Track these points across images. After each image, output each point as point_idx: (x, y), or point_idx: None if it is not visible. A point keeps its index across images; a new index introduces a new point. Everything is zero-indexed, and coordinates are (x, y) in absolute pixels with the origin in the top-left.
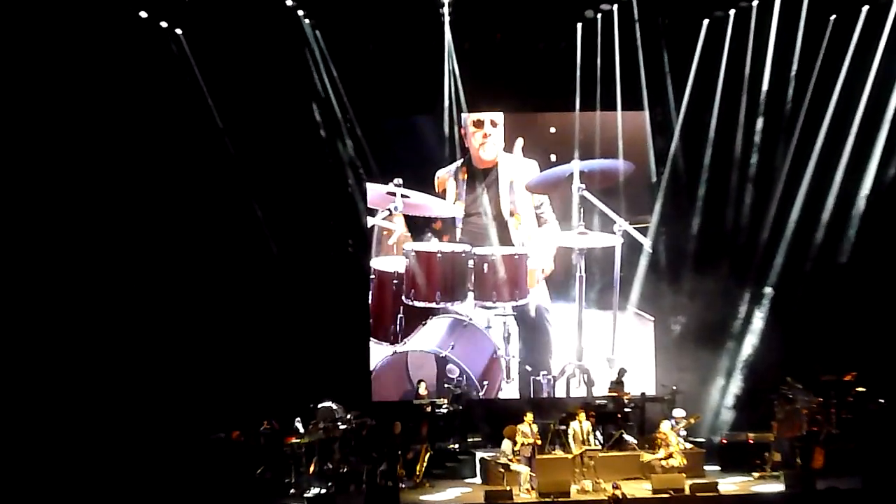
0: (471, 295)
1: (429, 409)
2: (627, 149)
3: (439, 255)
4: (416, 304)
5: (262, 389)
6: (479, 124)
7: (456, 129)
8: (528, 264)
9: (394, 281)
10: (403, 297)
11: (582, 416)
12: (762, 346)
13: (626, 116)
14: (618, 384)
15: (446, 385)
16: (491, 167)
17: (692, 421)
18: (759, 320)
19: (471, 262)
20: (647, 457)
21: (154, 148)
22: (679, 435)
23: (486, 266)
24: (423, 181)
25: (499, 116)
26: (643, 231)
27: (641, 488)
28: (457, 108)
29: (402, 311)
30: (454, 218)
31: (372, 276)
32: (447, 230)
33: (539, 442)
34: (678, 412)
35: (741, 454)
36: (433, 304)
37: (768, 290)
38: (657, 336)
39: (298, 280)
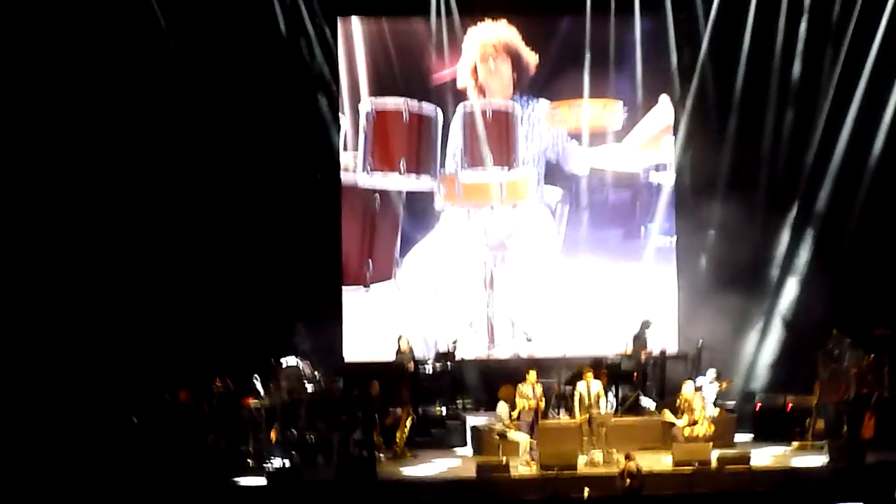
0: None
1: (411, 366)
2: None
3: (406, 113)
4: (377, 176)
5: (215, 342)
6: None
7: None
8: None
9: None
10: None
11: (590, 375)
12: (805, 293)
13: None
14: (637, 340)
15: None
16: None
17: (724, 386)
18: (801, 262)
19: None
20: (668, 416)
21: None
22: (705, 399)
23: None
24: None
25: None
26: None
27: (660, 461)
28: (446, 10)
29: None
30: None
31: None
32: None
33: (542, 405)
34: (708, 374)
35: (778, 421)
36: (395, 175)
37: (809, 233)
38: (681, 278)
39: (257, 213)
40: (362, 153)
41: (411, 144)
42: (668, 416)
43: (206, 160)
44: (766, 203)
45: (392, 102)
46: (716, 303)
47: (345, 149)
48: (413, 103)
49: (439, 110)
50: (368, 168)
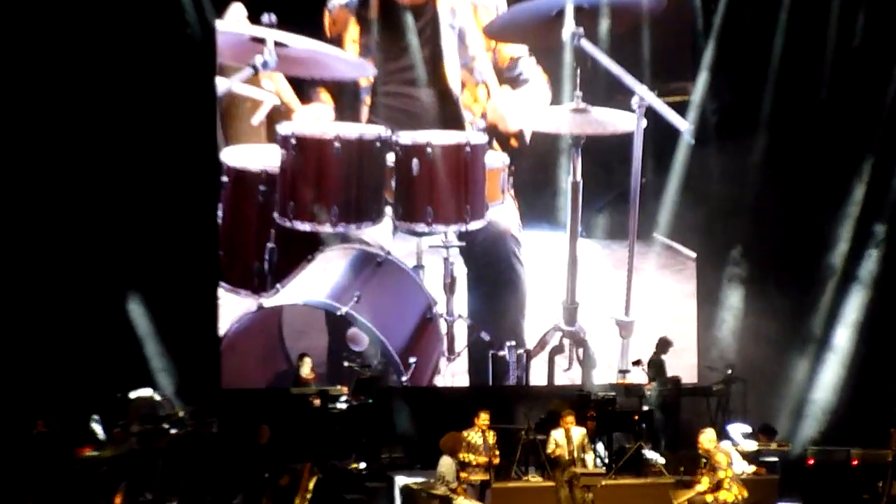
0: (389, 212)
1: (317, 402)
2: None
3: (338, 143)
4: (298, 225)
5: (39, 369)
6: None
7: None
8: (486, 162)
9: (260, 187)
10: (276, 215)
11: (571, 418)
12: (877, 305)
13: None
14: (654, 366)
15: (347, 364)
16: (423, 2)
17: (774, 446)
18: (872, 262)
19: (391, 158)
20: (681, 495)
21: None
22: (732, 453)
23: (416, 164)
24: (308, 19)
25: None
26: (680, 109)
27: None
28: None
29: (273, 239)
30: (361, 86)
31: (224, 179)
32: (349, 103)
33: (497, 460)
34: (740, 429)
35: (839, 482)
36: (326, 227)
37: (879, 229)
38: (702, 286)
39: (102, 185)
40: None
41: (347, 184)
42: (679, 497)
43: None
44: (822, 180)
45: (314, 129)
46: (752, 317)
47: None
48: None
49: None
50: (290, 214)
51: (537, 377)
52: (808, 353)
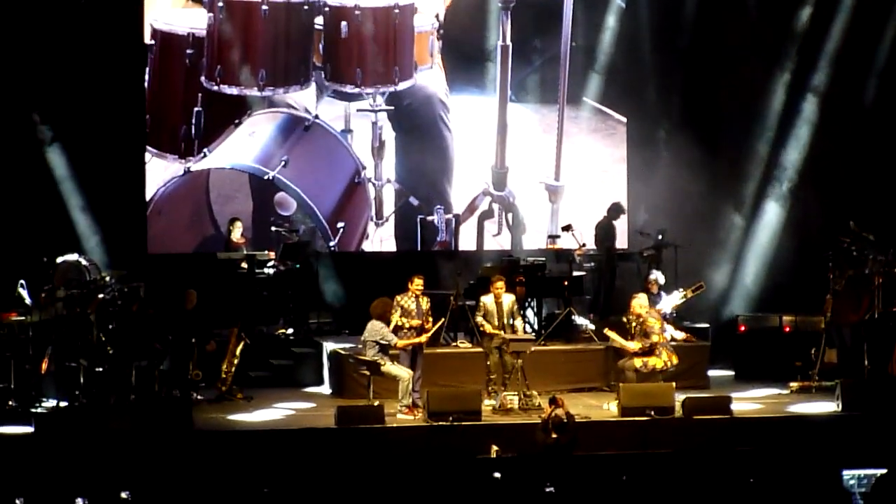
0: (318, 75)
1: (245, 266)
2: None
3: (265, 6)
4: (226, 89)
5: None
6: None
7: None
8: (415, 24)
9: (187, 50)
10: (204, 79)
11: (501, 284)
12: (808, 167)
13: None
14: (602, 231)
15: (274, 228)
16: None
17: (689, 294)
18: (805, 120)
19: (319, 21)
20: (615, 336)
21: None
22: (667, 317)
23: (344, 26)
24: None
25: None
26: None
27: (601, 407)
28: None
29: (200, 103)
30: None
31: (151, 42)
32: None
33: (430, 326)
34: (662, 278)
35: (771, 351)
36: (254, 91)
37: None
38: (632, 151)
39: (24, 48)
40: (206, 58)
41: (275, 47)
42: (615, 336)
43: None
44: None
45: None
46: (683, 180)
47: None
48: None
49: None
50: (217, 77)
51: (466, 242)
52: (741, 219)
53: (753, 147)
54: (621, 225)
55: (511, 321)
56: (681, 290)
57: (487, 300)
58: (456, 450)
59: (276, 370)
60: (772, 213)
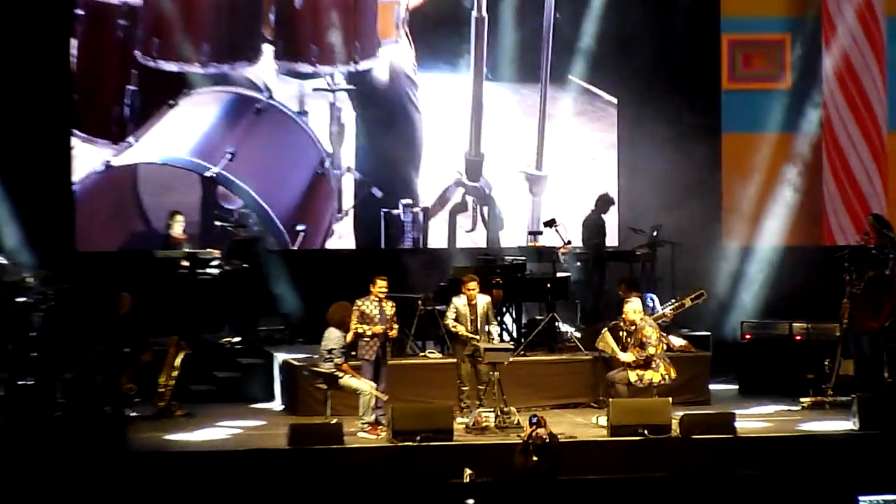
0: (269, 50)
1: (186, 265)
2: None
3: None
4: (164, 65)
5: None
6: None
7: None
8: None
9: (120, 21)
10: (139, 53)
11: (474, 285)
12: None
13: None
14: (589, 228)
15: (219, 223)
16: None
17: (688, 303)
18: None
19: None
20: (608, 340)
21: None
22: (661, 324)
23: None
24: None
25: None
26: None
27: (589, 423)
28: None
29: (134, 81)
30: None
31: (79, 12)
32: None
33: (395, 333)
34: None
35: (779, 360)
36: (195, 67)
37: None
38: (624, 136)
39: None
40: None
41: (219, 18)
42: (608, 340)
43: None
44: None
45: None
46: (683, 173)
47: None
48: None
49: None
50: (154, 52)
51: (436, 239)
52: (747, 214)
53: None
54: (612, 220)
55: (486, 327)
56: (674, 300)
57: (459, 302)
58: (425, 474)
59: (220, 384)
60: (782, 207)
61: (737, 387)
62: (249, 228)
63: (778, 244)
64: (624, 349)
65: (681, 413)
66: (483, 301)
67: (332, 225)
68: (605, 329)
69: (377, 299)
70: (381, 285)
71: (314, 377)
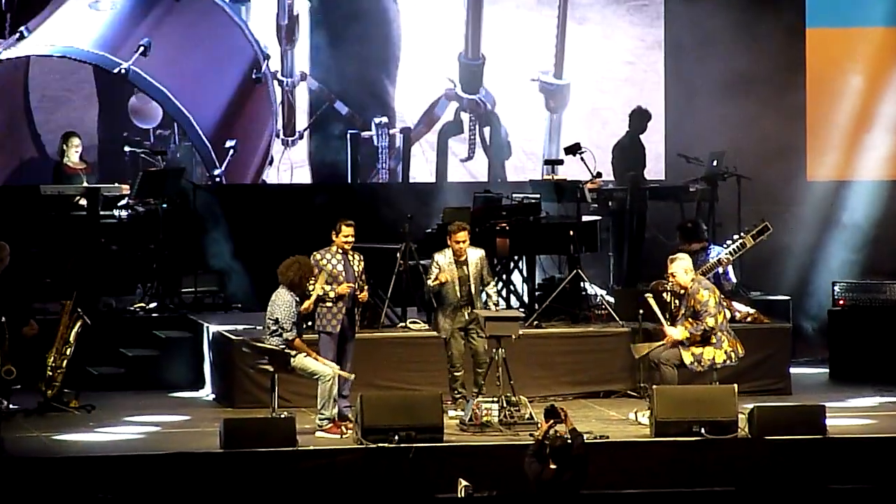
0: None
1: (84, 205)
2: None
3: None
4: None
5: None
6: None
7: None
8: None
9: None
10: None
11: (464, 235)
12: None
13: None
14: (624, 152)
15: (130, 149)
16: None
17: (749, 240)
18: None
19: None
20: (645, 348)
21: None
22: (726, 283)
23: None
24: None
25: None
26: None
27: (626, 419)
28: None
29: None
30: None
31: None
32: None
33: (365, 295)
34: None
35: (883, 337)
36: None
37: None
38: (675, 31)
39: None
40: None
41: None
42: (652, 307)
43: None
44: None
45: None
46: (751, 81)
47: None
48: None
49: None
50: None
51: (421, 171)
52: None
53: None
54: (656, 144)
55: (481, 288)
56: (729, 241)
57: (443, 259)
58: (404, 486)
59: (130, 365)
60: (888, 129)
61: (826, 370)
62: (169, 156)
63: (882, 178)
64: (672, 321)
65: (751, 405)
66: (476, 256)
67: (271, 147)
68: (649, 293)
69: (341, 251)
70: (346, 233)
71: (257, 356)
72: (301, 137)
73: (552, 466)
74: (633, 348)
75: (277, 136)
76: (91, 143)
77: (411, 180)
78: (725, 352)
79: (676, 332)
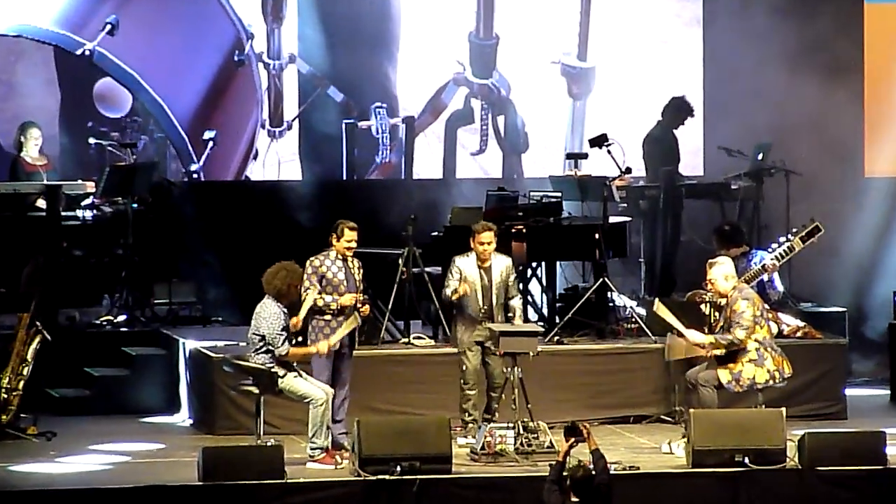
0: None
1: (42, 206)
2: None
3: None
4: None
5: None
6: None
7: None
8: None
9: None
10: None
11: (490, 236)
12: None
13: None
14: (658, 145)
15: (95, 141)
16: None
17: (798, 245)
18: None
19: None
20: (680, 350)
21: None
22: (772, 293)
23: None
24: None
25: None
26: None
27: (659, 449)
28: None
29: None
30: None
31: None
32: None
33: (366, 309)
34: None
35: None
36: None
37: None
38: (715, 8)
39: None
40: None
41: None
42: (673, 323)
43: None
44: None
45: None
46: (804, 62)
47: None
48: None
49: None
50: None
51: (426, 165)
52: None
53: None
54: (692, 136)
55: (505, 301)
56: (775, 244)
57: (465, 264)
58: None
59: (96, 386)
60: None
61: (887, 392)
62: (140, 150)
63: None
64: (710, 331)
65: (801, 432)
66: (503, 264)
67: (256, 139)
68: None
69: (341, 257)
70: (349, 237)
71: (240, 376)
72: (289, 128)
73: (574, 500)
74: (668, 348)
75: (262, 126)
76: (51, 134)
77: (415, 176)
78: (769, 371)
79: (699, 337)
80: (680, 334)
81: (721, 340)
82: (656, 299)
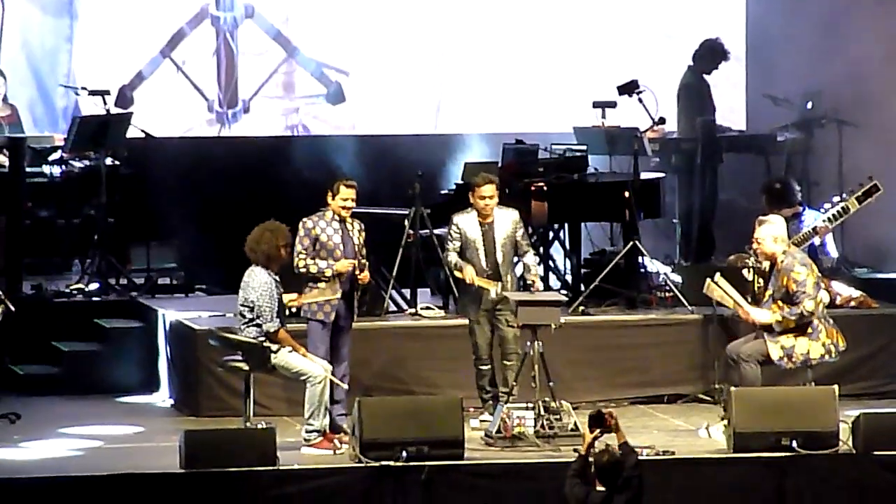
0: None
1: (4, 162)
2: None
3: None
4: None
5: None
6: None
7: None
8: None
9: None
10: None
11: (492, 190)
12: None
13: None
14: (691, 93)
15: (64, 85)
16: None
17: (853, 205)
18: None
19: None
20: (719, 287)
21: None
22: (824, 258)
23: None
24: None
25: None
26: None
27: (696, 433)
28: None
29: None
30: None
31: None
32: None
33: (366, 276)
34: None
35: None
36: None
37: None
38: None
39: None
40: None
41: None
42: (721, 286)
43: None
44: None
45: None
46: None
47: None
48: None
49: None
50: None
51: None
52: None
53: None
54: (733, 82)
55: (511, 263)
56: (829, 204)
57: (465, 222)
58: None
59: (66, 362)
60: None
61: None
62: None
63: None
64: (758, 302)
65: (856, 412)
66: (508, 219)
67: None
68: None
69: (339, 219)
70: (346, 195)
71: (228, 351)
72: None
73: (599, 489)
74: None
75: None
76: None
77: (422, 132)
78: (823, 344)
79: (764, 315)
80: (736, 309)
81: (790, 317)
82: (708, 279)
